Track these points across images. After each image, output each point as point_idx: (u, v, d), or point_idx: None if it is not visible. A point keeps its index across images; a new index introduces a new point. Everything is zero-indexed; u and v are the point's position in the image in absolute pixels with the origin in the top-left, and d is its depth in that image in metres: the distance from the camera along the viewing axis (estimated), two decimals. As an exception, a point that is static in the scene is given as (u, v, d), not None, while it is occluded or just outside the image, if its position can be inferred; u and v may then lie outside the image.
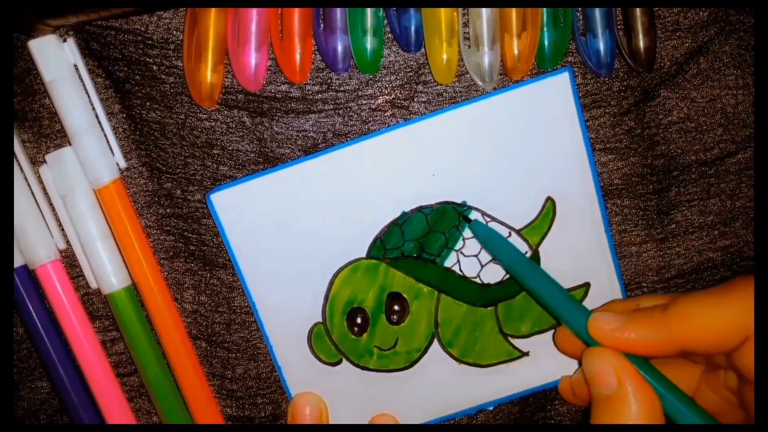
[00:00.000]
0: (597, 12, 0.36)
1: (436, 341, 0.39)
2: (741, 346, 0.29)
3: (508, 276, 0.38)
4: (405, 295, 0.38)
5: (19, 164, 0.39)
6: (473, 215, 0.38)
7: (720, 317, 0.30)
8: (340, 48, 0.37)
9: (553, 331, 0.39)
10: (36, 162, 0.39)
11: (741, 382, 0.31)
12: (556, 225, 0.38)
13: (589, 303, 0.39)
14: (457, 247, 0.38)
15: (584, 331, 0.32)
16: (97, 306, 0.40)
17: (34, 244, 0.39)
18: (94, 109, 0.38)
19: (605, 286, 0.39)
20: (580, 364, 0.34)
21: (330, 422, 0.39)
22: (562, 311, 0.34)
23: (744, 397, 0.31)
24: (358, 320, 0.39)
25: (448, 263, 0.38)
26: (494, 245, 0.37)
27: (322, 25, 0.37)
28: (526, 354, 0.39)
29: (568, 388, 0.37)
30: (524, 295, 0.39)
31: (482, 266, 0.38)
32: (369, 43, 0.37)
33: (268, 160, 0.38)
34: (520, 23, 0.36)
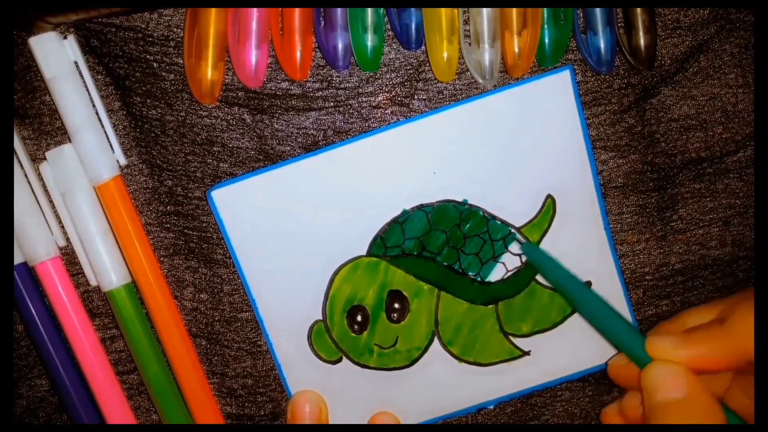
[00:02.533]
0: (597, 9, 0.36)
1: (436, 340, 0.39)
2: None
3: (508, 274, 0.38)
4: (405, 293, 0.38)
5: (19, 161, 0.39)
6: (500, 275, 0.38)
7: None
8: (340, 45, 0.37)
9: (553, 330, 0.39)
10: (36, 159, 0.39)
11: None
12: (556, 223, 0.38)
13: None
14: (460, 245, 0.38)
15: (642, 353, 0.32)
16: (96, 303, 0.40)
17: (34, 241, 0.39)
18: (94, 106, 0.38)
19: (606, 284, 0.39)
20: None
21: (330, 421, 0.39)
22: (618, 335, 0.33)
23: None
24: (359, 318, 0.39)
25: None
26: (547, 268, 0.37)
27: (323, 22, 0.37)
28: (527, 353, 0.39)
29: (614, 414, 0.37)
30: (525, 294, 0.38)
31: (482, 264, 0.38)
32: (369, 40, 0.37)
33: (269, 158, 0.38)
34: (521, 21, 0.36)
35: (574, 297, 0.35)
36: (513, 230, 0.38)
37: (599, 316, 0.34)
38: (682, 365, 0.31)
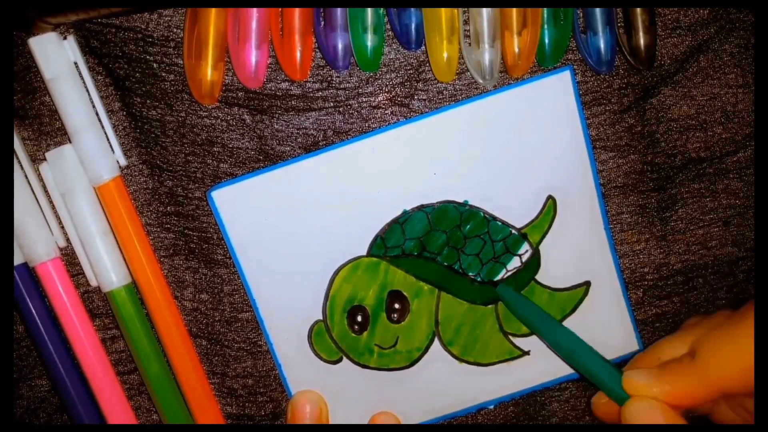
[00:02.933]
0: (597, 9, 0.36)
1: (436, 340, 0.39)
2: None
3: (508, 274, 0.38)
4: (405, 294, 0.38)
5: (19, 162, 0.39)
6: (501, 275, 0.38)
7: (751, 355, 0.29)
8: (340, 45, 0.37)
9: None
10: (36, 160, 0.39)
11: None
12: (557, 223, 0.38)
13: (590, 302, 0.39)
14: (460, 246, 0.38)
15: (619, 391, 0.32)
16: (97, 304, 0.40)
17: (34, 241, 0.39)
18: (94, 106, 0.38)
19: (605, 285, 0.39)
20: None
21: (330, 421, 0.39)
22: (595, 373, 0.34)
23: None
24: (359, 318, 0.39)
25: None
26: (523, 311, 0.37)
27: (323, 22, 0.37)
28: (527, 353, 0.39)
29: None
30: (525, 294, 0.38)
31: (483, 264, 0.38)
32: (369, 40, 0.37)
33: (269, 158, 0.38)
34: (521, 21, 0.36)
35: (551, 338, 0.36)
36: (514, 231, 0.38)
37: (576, 357, 0.34)
38: (658, 400, 0.31)
